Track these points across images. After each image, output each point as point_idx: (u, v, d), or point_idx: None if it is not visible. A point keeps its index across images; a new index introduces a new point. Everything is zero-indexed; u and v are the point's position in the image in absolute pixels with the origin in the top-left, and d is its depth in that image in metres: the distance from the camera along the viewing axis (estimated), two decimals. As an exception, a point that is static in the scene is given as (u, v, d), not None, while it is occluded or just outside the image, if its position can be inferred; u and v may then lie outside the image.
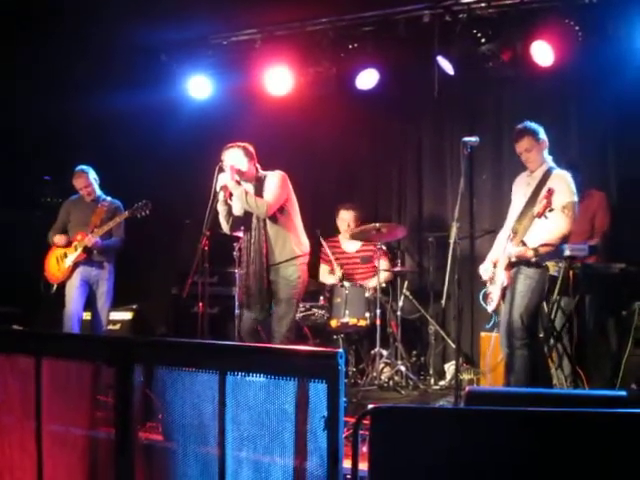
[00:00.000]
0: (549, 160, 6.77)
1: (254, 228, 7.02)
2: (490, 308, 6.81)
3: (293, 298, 7.04)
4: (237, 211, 7.15)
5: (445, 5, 8.43)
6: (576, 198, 6.54)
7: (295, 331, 7.23)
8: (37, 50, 9.03)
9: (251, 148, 7.14)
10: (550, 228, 6.37)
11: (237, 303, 7.87)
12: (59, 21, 8.85)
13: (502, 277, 6.59)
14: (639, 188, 8.34)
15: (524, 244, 6.38)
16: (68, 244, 8.41)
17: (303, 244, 7.17)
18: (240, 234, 7.22)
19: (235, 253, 7.64)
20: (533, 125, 6.77)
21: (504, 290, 6.59)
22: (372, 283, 8.82)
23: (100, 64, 9.38)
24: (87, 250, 8.29)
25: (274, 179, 7.08)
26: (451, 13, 8.43)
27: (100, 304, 8.44)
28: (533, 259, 6.40)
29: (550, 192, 6.17)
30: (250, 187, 7.06)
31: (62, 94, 9.36)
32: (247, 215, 7.08)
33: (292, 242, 7.05)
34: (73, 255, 8.31)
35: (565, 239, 6.61)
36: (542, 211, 6.14)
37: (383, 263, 8.94)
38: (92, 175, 8.56)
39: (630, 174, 8.45)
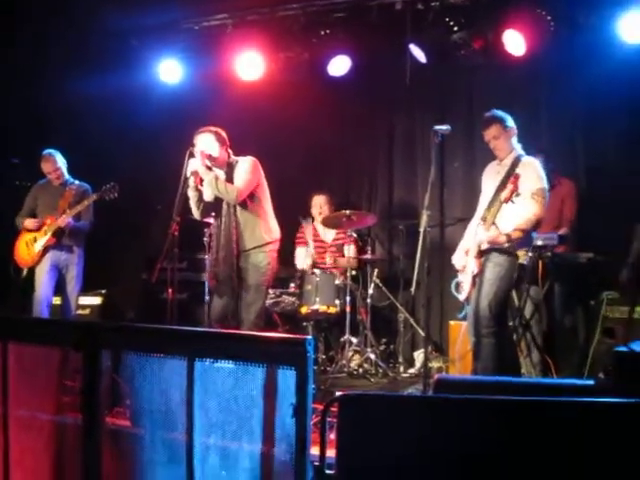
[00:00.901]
0: (518, 148, 6.79)
1: (224, 214, 6.99)
2: (462, 297, 6.82)
3: (262, 285, 7.01)
4: (208, 197, 7.09)
5: (417, -8, 8.43)
6: (546, 184, 6.56)
7: (264, 318, 7.21)
8: (8, 34, 8.97)
9: (223, 133, 7.10)
10: (521, 213, 6.39)
11: (207, 289, 7.86)
12: (31, 5, 8.79)
13: (473, 265, 6.60)
14: (607, 177, 8.38)
15: (496, 227, 6.39)
16: (38, 228, 8.35)
17: (273, 231, 7.13)
18: (210, 220, 7.19)
19: (205, 239, 7.63)
20: (500, 113, 6.78)
21: (474, 278, 6.61)
22: (341, 263, 8.84)
23: (71, 48, 9.33)
24: (56, 234, 8.23)
25: (245, 165, 7.04)
26: (423, 1, 8.43)
27: (70, 288, 8.41)
28: (505, 244, 6.41)
29: (516, 177, 6.22)
30: (221, 173, 7.02)
31: (33, 77, 9.30)
32: (217, 201, 7.04)
33: (262, 229, 7.01)
34: (43, 239, 8.27)
35: (537, 225, 6.62)
36: (509, 196, 6.17)
37: (352, 249, 8.95)
38: (60, 159, 8.53)
39: (599, 163, 8.49)
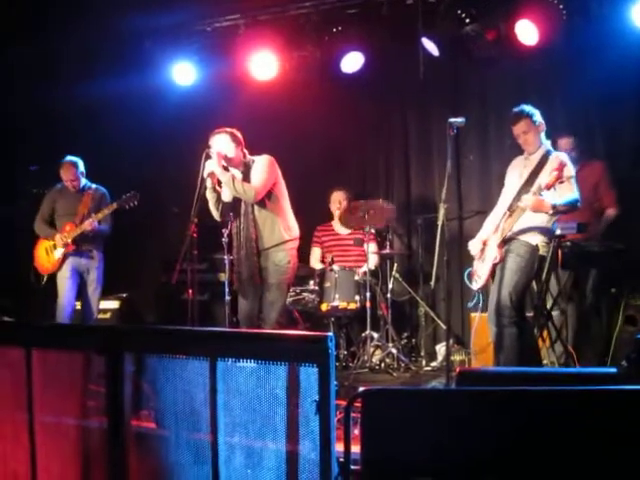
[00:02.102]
0: (547, 143, 6.77)
1: (243, 214, 6.98)
2: (475, 286, 6.82)
3: (283, 283, 7.01)
4: (226, 197, 7.10)
5: (428, -14, 8.42)
6: (574, 172, 6.54)
7: (286, 316, 7.23)
8: (23, 37, 9.02)
9: (238, 134, 7.09)
10: (564, 195, 6.36)
11: (227, 289, 7.87)
12: (47, 9, 8.83)
13: (494, 253, 6.59)
14: (625, 165, 8.37)
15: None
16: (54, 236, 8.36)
17: (292, 229, 7.12)
18: (229, 220, 7.20)
19: (224, 239, 7.61)
20: (529, 108, 6.76)
21: (494, 267, 6.59)
22: (363, 268, 8.83)
23: (85, 52, 9.38)
24: (76, 240, 8.24)
25: (261, 164, 7.04)
26: (434, -6, 8.42)
27: (90, 291, 8.39)
28: (550, 211, 6.32)
29: (562, 164, 6.15)
30: (238, 173, 7.01)
31: (47, 81, 9.35)
32: (236, 201, 7.04)
33: (281, 227, 6.99)
34: (63, 246, 8.27)
35: (576, 208, 6.56)
36: (552, 182, 6.09)
37: (373, 246, 8.96)
38: (80, 167, 8.47)
39: (616, 151, 8.48)
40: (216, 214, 7.14)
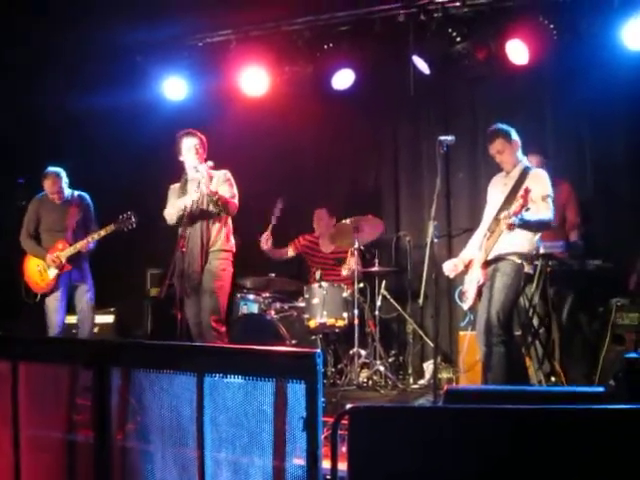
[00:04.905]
0: (524, 160, 6.79)
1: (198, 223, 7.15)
2: (465, 306, 6.82)
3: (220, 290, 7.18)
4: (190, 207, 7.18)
5: (420, 4, 8.45)
6: (552, 193, 6.55)
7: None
8: (11, 47, 9.00)
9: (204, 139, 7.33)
10: (540, 213, 6.37)
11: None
12: (38, 21, 8.83)
13: (478, 275, 6.60)
14: (614, 184, 8.42)
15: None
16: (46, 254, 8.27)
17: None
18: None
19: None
20: (504, 126, 6.78)
21: (480, 288, 6.60)
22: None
23: (76, 64, 9.35)
24: (71, 260, 8.17)
25: (230, 179, 7.31)
26: (426, 12, 8.45)
27: (85, 300, 8.27)
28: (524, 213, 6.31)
29: (527, 191, 6.12)
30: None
31: (37, 93, 9.32)
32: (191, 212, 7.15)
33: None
34: (57, 267, 8.19)
35: (547, 227, 6.56)
36: (519, 210, 6.12)
37: (353, 262, 8.91)
38: (64, 178, 8.37)
39: (605, 170, 8.51)
40: (174, 220, 7.21)
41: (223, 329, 7.14)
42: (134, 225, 8.03)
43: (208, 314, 7.06)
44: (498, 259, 6.54)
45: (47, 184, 8.33)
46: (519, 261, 6.50)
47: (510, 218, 6.13)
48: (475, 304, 6.67)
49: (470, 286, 6.73)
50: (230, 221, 7.33)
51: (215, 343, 6.85)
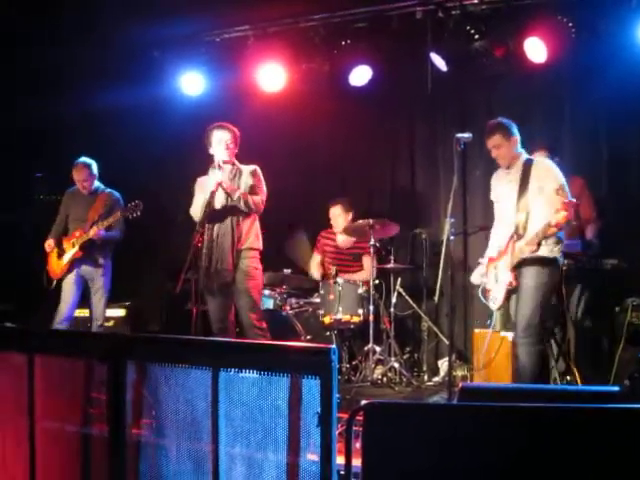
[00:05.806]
0: (523, 152, 6.74)
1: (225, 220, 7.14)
2: (494, 307, 6.75)
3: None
4: (218, 204, 7.15)
5: (438, 1, 8.43)
6: (564, 180, 6.43)
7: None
8: (32, 46, 9.04)
9: (237, 134, 7.30)
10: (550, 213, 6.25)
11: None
12: (56, 20, 8.86)
13: (507, 278, 6.53)
14: (631, 182, 8.39)
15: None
16: (61, 243, 8.36)
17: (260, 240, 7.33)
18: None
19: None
20: (505, 121, 6.75)
21: (509, 291, 6.55)
22: (358, 277, 8.87)
23: (94, 61, 9.38)
24: (84, 247, 8.24)
25: (259, 175, 7.26)
26: (444, 9, 8.43)
27: (96, 300, 8.37)
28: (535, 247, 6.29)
29: (572, 205, 5.99)
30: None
31: (56, 90, 9.35)
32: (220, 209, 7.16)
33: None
34: (70, 252, 8.25)
35: (569, 224, 6.48)
36: (563, 222, 5.98)
37: (368, 261, 8.91)
38: (93, 170, 8.47)
39: (622, 168, 8.48)
40: (199, 215, 7.12)
41: (264, 325, 7.16)
42: (139, 213, 8.07)
43: (248, 314, 7.08)
44: (530, 259, 6.43)
45: (75, 173, 8.47)
46: (552, 256, 6.41)
47: (551, 228, 6.11)
48: (504, 304, 6.61)
49: (497, 287, 6.66)
50: (258, 220, 7.33)
51: (259, 340, 6.85)
